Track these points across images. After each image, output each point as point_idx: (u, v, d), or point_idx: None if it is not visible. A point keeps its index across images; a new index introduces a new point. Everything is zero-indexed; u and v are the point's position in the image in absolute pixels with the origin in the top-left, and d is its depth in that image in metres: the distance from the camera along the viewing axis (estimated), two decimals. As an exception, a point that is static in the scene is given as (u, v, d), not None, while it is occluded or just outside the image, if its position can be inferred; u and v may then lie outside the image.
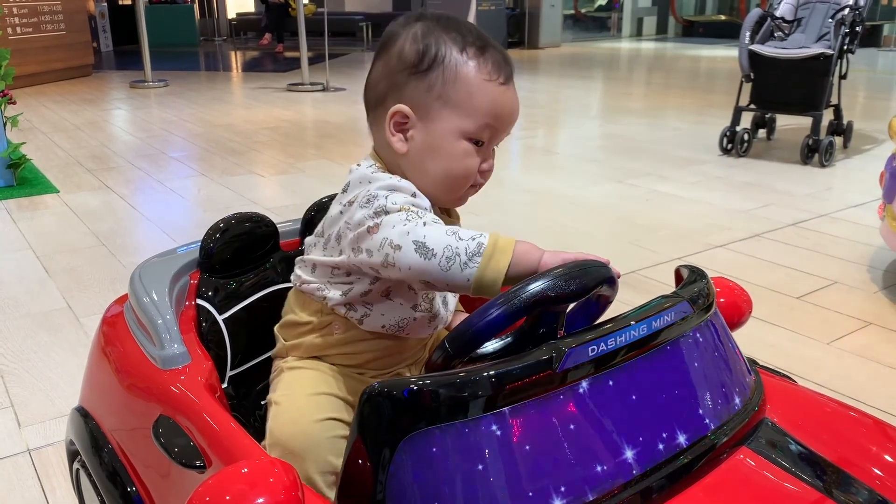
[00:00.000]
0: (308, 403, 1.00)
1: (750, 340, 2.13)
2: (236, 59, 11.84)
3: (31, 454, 1.68)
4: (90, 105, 6.69)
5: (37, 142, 4.97)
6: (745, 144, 4.56)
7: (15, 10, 7.31)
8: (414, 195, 0.97)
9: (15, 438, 1.73)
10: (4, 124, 3.84)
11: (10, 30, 7.16)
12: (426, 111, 0.99)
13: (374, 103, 1.03)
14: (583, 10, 14.96)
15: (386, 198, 0.94)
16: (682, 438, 0.76)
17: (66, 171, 4.24)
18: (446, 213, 1.10)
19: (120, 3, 12.95)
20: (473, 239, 0.88)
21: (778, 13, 4.60)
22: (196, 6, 14.40)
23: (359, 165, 1.04)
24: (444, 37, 0.99)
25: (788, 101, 4.45)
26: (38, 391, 1.93)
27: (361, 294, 1.01)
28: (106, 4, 11.93)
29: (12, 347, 2.16)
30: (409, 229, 0.90)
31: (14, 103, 3.94)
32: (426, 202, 0.98)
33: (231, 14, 15.16)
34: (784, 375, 1.02)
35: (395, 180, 0.98)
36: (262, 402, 1.09)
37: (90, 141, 5.12)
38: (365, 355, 1.06)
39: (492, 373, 0.69)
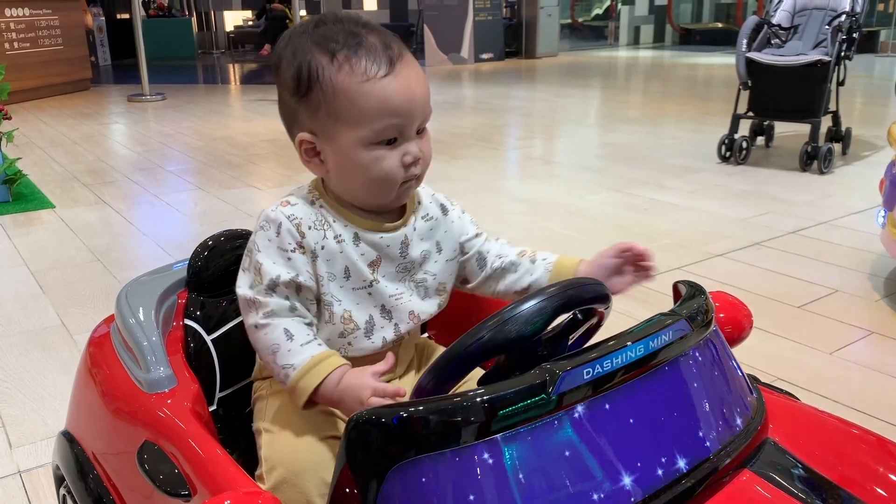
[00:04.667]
0: (304, 424, 0.97)
1: (751, 351, 2.11)
2: (234, 71, 11.85)
3: (21, 476, 1.65)
4: (88, 119, 6.68)
5: (33, 157, 4.96)
6: (744, 152, 4.55)
7: (12, 26, 7.32)
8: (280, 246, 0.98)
9: (5, 460, 1.71)
10: (0, 140, 3.82)
11: (7, 45, 7.17)
12: (324, 132, 0.98)
13: (289, 134, 1.03)
14: (580, 20, 14.98)
15: (251, 263, 0.99)
16: (682, 463, 0.73)
17: (63, 186, 4.22)
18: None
19: (118, 16, 12.98)
20: (284, 368, 0.94)
21: (774, 20, 4.59)
22: (194, 19, 14.43)
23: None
24: (313, 50, 0.95)
25: (786, 108, 4.43)
26: (31, 411, 1.90)
27: None
28: (104, 18, 11.96)
29: (5, 366, 2.14)
30: (249, 320, 0.98)
31: (9, 118, 3.93)
32: (284, 240, 0.98)
33: (229, 27, 15.19)
34: (786, 393, 1.00)
35: (270, 241, 0.98)
36: (252, 424, 1.06)
37: (87, 155, 5.10)
38: None
39: (484, 398, 0.66)
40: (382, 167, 0.96)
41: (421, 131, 1.00)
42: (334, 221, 1.01)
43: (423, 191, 1.11)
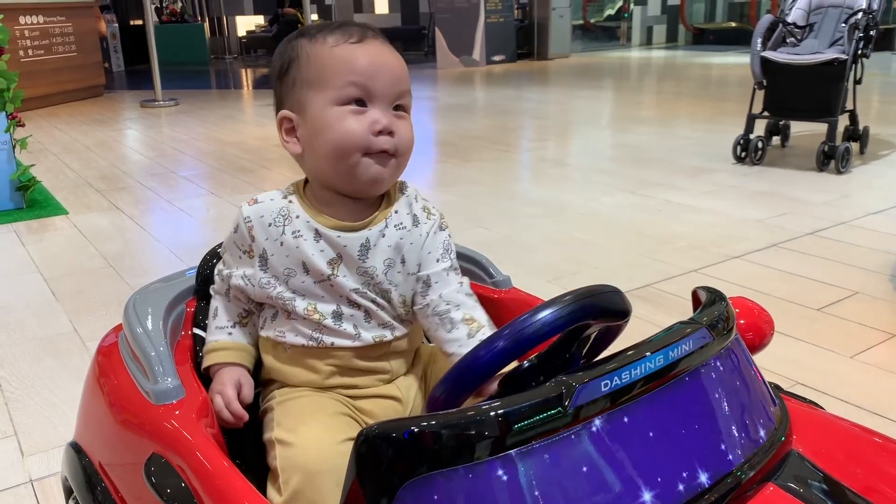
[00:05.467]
0: (318, 430, 0.96)
1: (770, 355, 2.05)
2: (246, 76, 11.90)
3: (33, 485, 1.64)
4: (101, 125, 6.71)
5: (47, 163, 4.98)
6: (760, 152, 4.50)
7: (27, 33, 7.37)
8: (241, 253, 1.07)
9: (17, 468, 1.70)
10: (14, 147, 3.84)
11: (21, 52, 7.21)
12: (299, 104, 1.02)
13: (278, 128, 1.07)
14: (592, 20, 14.93)
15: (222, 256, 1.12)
16: (704, 477, 0.70)
17: (76, 193, 4.23)
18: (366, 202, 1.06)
19: (131, 23, 13.07)
20: (210, 338, 1.10)
21: (790, 19, 4.54)
22: (206, 25, 14.51)
23: None
24: (299, 37, 1.05)
25: (803, 107, 4.38)
26: (43, 419, 1.90)
27: (272, 318, 1.07)
28: (117, 25, 12.05)
29: (18, 373, 2.13)
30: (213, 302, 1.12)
31: (23, 125, 3.94)
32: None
33: (241, 32, 15.26)
34: (809, 401, 0.97)
35: (231, 235, 1.07)
36: (263, 435, 1.04)
37: (100, 161, 5.12)
38: (323, 371, 1.04)
39: (499, 412, 0.64)
40: (347, 126, 0.99)
41: (399, 109, 1.02)
42: (297, 217, 1.03)
43: (404, 199, 1.08)
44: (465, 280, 1.08)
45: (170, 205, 3.96)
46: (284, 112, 1.04)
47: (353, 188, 1.03)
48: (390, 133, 1.00)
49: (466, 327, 1.01)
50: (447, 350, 1.02)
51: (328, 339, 1.03)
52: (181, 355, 1.05)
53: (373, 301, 1.04)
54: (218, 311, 1.10)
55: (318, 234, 1.02)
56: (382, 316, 1.05)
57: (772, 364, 1.98)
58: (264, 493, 0.94)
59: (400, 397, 1.07)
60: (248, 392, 1.05)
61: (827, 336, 2.22)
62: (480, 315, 1.03)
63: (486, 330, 1.01)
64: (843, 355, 2.10)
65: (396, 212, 1.06)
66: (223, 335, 1.08)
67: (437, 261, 1.06)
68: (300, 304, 1.02)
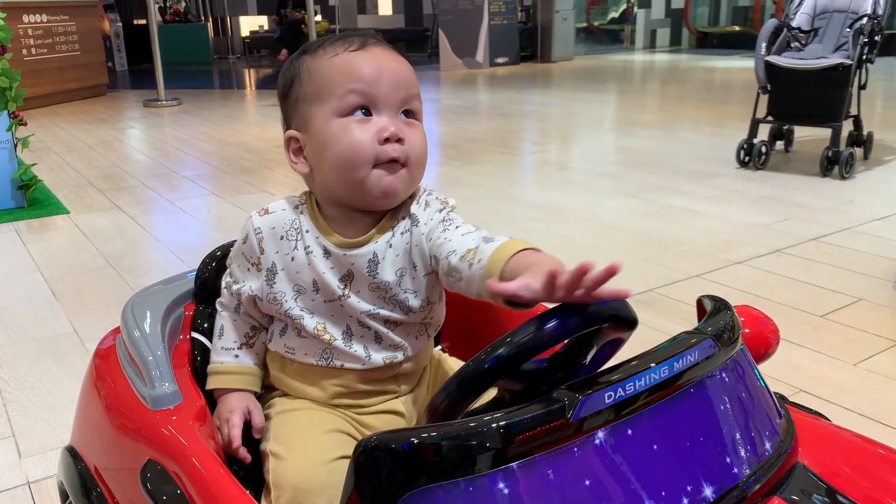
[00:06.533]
0: (312, 445, 0.94)
1: (773, 363, 2.03)
2: (249, 76, 11.90)
3: (30, 487, 1.63)
4: (104, 124, 6.71)
5: (49, 162, 4.98)
6: (763, 157, 4.48)
7: (30, 32, 7.37)
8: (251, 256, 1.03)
9: (15, 470, 1.69)
10: (16, 146, 3.84)
11: (24, 51, 7.21)
12: (303, 122, 0.99)
13: (286, 150, 1.05)
14: (595, 23, 14.92)
15: (228, 267, 1.08)
16: (708, 491, 0.69)
17: (78, 192, 4.23)
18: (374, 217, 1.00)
19: (135, 22, 13.07)
20: (211, 356, 1.08)
21: (794, 23, 4.52)
22: (210, 25, 14.52)
23: None
24: (302, 54, 1.02)
25: (807, 112, 4.37)
26: (41, 420, 1.88)
27: (280, 333, 1.04)
28: (121, 24, 12.05)
29: (16, 374, 2.12)
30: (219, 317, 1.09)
31: (25, 124, 3.93)
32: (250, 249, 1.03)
33: (245, 32, 15.27)
34: (815, 413, 0.96)
35: (239, 245, 1.04)
36: (259, 445, 1.03)
37: (102, 161, 5.12)
38: (330, 390, 1.02)
39: (500, 423, 0.63)
40: (352, 137, 0.94)
41: (409, 115, 0.98)
42: (307, 232, 1.00)
43: (414, 204, 1.02)
44: (460, 225, 0.98)
45: (171, 205, 3.96)
46: (290, 132, 1.01)
47: (365, 203, 0.98)
48: (399, 140, 0.95)
49: (465, 263, 0.89)
50: (472, 294, 0.90)
51: (337, 361, 1.00)
52: (179, 359, 1.04)
53: (385, 322, 0.99)
54: (224, 329, 1.06)
55: (326, 252, 0.99)
56: (393, 338, 1.01)
57: (775, 371, 1.96)
58: (260, 501, 0.93)
59: (404, 412, 1.05)
60: (259, 418, 1.02)
61: (830, 343, 2.20)
62: (473, 241, 0.92)
63: (484, 244, 0.89)
64: (846, 362, 2.08)
65: (404, 218, 1.01)
66: (229, 357, 1.05)
67: (440, 239, 0.97)
68: (309, 323, 0.99)
